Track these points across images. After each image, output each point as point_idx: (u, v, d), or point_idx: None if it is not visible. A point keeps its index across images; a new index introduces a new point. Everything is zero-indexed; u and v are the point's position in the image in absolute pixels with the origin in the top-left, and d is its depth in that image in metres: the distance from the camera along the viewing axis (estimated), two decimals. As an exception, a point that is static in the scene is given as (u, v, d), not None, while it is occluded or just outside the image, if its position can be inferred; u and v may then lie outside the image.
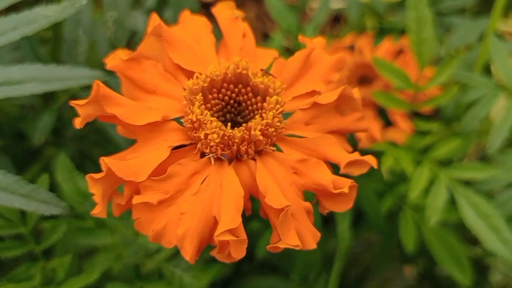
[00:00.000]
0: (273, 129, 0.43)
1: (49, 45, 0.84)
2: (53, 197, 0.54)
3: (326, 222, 0.92)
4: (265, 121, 0.43)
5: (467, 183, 0.80)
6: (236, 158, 0.44)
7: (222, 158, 0.43)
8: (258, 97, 0.46)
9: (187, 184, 0.42)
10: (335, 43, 0.81)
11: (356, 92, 0.46)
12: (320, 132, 0.45)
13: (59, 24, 0.80)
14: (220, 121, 0.45)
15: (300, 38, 0.48)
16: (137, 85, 0.45)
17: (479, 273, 1.08)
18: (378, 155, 0.78)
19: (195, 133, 0.43)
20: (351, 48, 0.85)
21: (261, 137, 0.42)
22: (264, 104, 0.44)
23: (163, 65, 0.45)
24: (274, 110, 0.43)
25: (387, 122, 0.80)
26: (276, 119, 0.43)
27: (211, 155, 0.43)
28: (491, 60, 0.84)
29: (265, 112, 0.43)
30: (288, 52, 1.71)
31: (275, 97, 0.44)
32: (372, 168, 0.78)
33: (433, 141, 0.81)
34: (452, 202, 0.77)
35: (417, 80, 0.77)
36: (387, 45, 0.80)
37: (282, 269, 0.93)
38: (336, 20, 1.58)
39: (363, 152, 0.84)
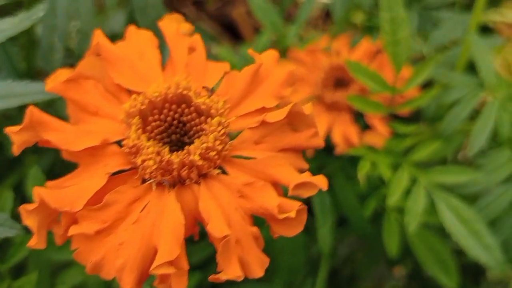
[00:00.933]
0: (214, 153, 0.40)
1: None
2: (7, 219, 0.52)
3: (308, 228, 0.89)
4: (205, 144, 0.40)
5: (449, 187, 0.76)
6: (179, 183, 0.41)
7: (164, 183, 0.41)
8: (202, 117, 0.43)
9: (127, 212, 0.39)
10: (311, 46, 0.77)
11: (308, 108, 0.43)
12: (272, 150, 0.42)
13: (31, 29, 0.78)
14: (165, 142, 0.43)
15: (250, 52, 0.45)
16: (79, 106, 0.42)
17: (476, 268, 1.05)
18: (357, 160, 0.75)
19: (134, 158, 0.40)
20: (328, 49, 0.81)
21: (200, 162, 0.40)
22: (206, 126, 0.41)
23: (104, 85, 0.43)
24: (216, 133, 0.40)
25: (365, 126, 0.77)
26: (218, 142, 0.40)
27: (152, 180, 0.40)
28: (473, 58, 0.80)
29: (206, 135, 0.40)
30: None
31: (217, 118, 0.41)
32: (354, 170, 0.75)
33: (413, 144, 0.78)
34: (433, 206, 0.74)
35: (394, 82, 0.74)
36: (365, 46, 0.77)
37: (266, 274, 0.90)
38: (329, 15, 1.54)
39: (339, 159, 0.82)
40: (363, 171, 0.72)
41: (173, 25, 0.46)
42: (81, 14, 0.64)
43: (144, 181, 0.41)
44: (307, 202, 0.55)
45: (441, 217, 0.71)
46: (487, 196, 0.77)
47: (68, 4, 0.67)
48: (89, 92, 0.42)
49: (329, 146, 0.78)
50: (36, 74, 0.82)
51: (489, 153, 0.78)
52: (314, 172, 0.40)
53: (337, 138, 0.73)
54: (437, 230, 0.83)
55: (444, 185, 0.75)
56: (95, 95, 0.42)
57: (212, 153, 0.40)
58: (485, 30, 1.36)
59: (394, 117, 0.78)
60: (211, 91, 0.43)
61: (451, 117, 0.77)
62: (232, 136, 0.43)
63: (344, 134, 0.75)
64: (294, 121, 0.43)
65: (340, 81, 0.73)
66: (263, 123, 0.41)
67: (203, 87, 0.43)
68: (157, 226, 0.38)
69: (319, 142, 0.44)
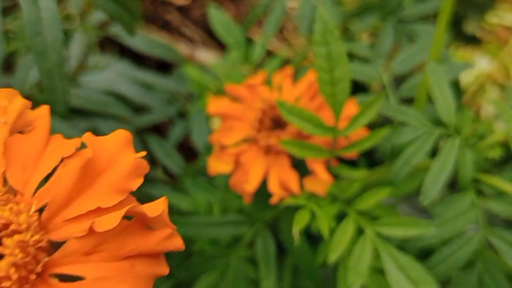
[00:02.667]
0: (9, 283, 0.30)
1: None
2: None
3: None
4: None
5: (401, 240, 0.66)
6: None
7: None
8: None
9: None
10: (250, 79, 0.67)
11: (158, 206, 0.33)
12: (112, 260, 0.32)
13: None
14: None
15: (85, 138, 0.35)
16: None
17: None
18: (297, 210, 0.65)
19: None
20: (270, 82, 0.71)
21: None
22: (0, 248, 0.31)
23: None
24: (12, 257, 0.31)
25: (306, 170, 0.66)
26: (13, 270, 0.30)
27: None
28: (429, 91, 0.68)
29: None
30: (270, 55, 1.56)
31: (17, 236, 0.31)
32: (309, 216, 0.65)
33: (361, 189, 0.67)
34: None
35: (338, 123, 0.63)
36: (310, 78, 0.66)
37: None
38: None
39: (275, 210, 0.71)
40: (300, 225, 0.62)
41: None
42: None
43: None
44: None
45: (388, 277, 0.61)
46: (444, 249, 0.66)
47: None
48: None
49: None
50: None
51: (447, 200, 0.67)
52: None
53: (273, 186, 0.63)
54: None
55: (394, 238, 0.64)
56: None
57: (7, 284, 0.30)
58: (472, 40, 1.24)
59: (340, 160, 0.68)
60: (14, 192, 0.33)
61: (402, 161, 0.66)
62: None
63: (282, 180, 0.64)
64: (143, 219, 0.34)
65: (277, 121, 0.63)
66: (91, 231, 0.31)
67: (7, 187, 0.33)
68: None
69: (177, 245, 0.34)
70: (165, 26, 1.72)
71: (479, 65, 1.71)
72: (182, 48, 1.62)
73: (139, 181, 0.34)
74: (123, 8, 0.62)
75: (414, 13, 1.07)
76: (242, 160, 0.65)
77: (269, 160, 0.64)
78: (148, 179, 0.97)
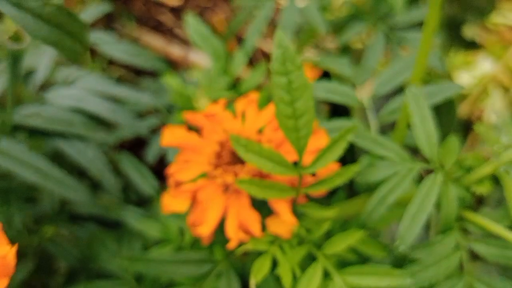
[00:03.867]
0: None
1: None
2: None
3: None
4: None
5: None
6: None
7: None
8: None
9: None
10: (212, 106, 0.59)
11: None
12: None
13: None
14: None
15: None
16: None
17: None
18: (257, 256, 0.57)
19: None
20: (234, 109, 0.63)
21: None
22: None
23: None
24: None
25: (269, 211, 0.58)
26: None
27: None
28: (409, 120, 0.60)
29: None
30: (265, 57, 1.48)
31: None
32: (270, 263, 0.57)
33: (330, 231, 0.59)
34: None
35: (301, 161, 0.55)
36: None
37: None
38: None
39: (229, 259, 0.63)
40: (259, 275, 0.54)
41: None
42: None
43: None
44: None
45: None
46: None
47: None
48: None
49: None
50: None
51: (428, 243, 0.59)
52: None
53: (230, 230, 0.55)
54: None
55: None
56: None
57: None
58: (471, 45, 1.14)
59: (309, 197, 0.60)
60: None
61: (377, 200, 0.58)
62: None
63: (241, 222, 0.56)
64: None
65: (238, 155, 0.55)
66: None
67: None
68: None
69: None
70: (158, 27, 1.64)
71: (482, 67, 1.61)
72: (176, 49, 1.54)
73: (5, 281, 0.26)
74: (64, 33, 0.54)
75: (406, 20, 0.98)
76: (199, 198, 0.58)
77: (228, 198, 0.56)
78: (120, 202, 0.89)
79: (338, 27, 1.06)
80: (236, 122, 0.60)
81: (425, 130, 0.58)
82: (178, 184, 0.59)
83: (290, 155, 0.56)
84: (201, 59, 1.49)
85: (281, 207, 0.56)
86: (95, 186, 0.92)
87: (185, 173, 0.58)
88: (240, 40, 1.58)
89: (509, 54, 1.68)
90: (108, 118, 0.86)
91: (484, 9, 1.06)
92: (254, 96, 0.60)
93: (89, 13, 1.04)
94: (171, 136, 0.58)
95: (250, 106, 0.60)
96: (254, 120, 0.59)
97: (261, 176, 0.56)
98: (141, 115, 1.00)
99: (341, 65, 0.73)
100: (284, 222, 0.56)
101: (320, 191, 0.57)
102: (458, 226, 0.61)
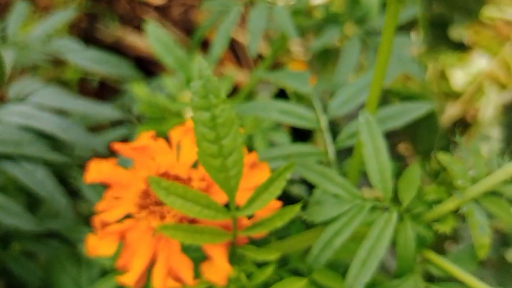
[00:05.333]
0: None
1: None
2: None
3: None
4: None
5: None
6: None
7: None
8: None
9: None
10: (143, 137, 0.52)
11: None
12: None
13: None
14: None
15: None
16: None
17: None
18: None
19: None
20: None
21: None
22: None
23: None
24: None
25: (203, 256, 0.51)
26: None
27: None
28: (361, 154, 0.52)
29: None
30: (260, 58, 1.39)
31: None
32: None
33: (272, 279, 0.52)
34: None
35: (233, 204, 0.48)
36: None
37: None
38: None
39: None
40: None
41: None
42: None
43: None
44: None
45: None
46: None
47: None
48: None
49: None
50: None
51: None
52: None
53: (157, 277, 0.48)
54: None
55: None
56: None
57: None
58: (459, 46, 1.05)
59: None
60: None
61: (322, 243, 0.50)
62: None
63: (171, 269, 0.49)
64: None
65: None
66: None
67: None
68: None
69: None
70: (142, 27, 1.57)
71: (478, 64, 1.52)
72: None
73: None
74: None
75: (378, 25, 0.90)
76: (128, 240, 0.51)
77: (157, 242, 0.49)
78: (76, 223, 0.83)
79: (316, 30, 0.98)
80: (170, 155, 0.52)
81: (378, 162, 0.50)
82: (105, 224, 0.51)
83: (225, 195, 0.48)
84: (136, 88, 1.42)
85: (215, 252, 0.49)
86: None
87: (111, 213, 0.51)
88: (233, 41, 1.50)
89: (506, 49, 1.58)
90: (59, 136, 0.79)
91: (472, 9, 0.97)
92: (192, 124, 0.53)
93: (53, 20, 0.97)
94: (97, 172, 0.51)
95: (186, 136, 0.52)
96: (189, 152, 0.52)
97: (192, 219, 0.49)
98: (113, 124, 0.93)
99: (298, 82, 0.64)
100: (218, 269, 0.49)
101: (258, 233, 0.49)
102: (420, 268, 0.53)
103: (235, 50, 1.53)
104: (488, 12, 1.56)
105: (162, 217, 0.49)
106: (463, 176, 0.51)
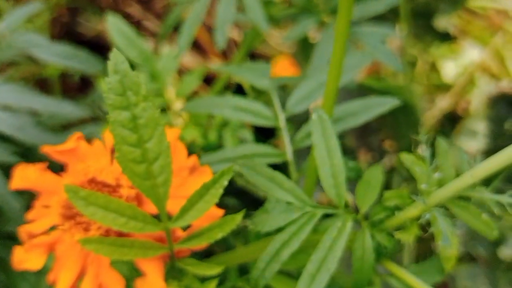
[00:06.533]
0: None
1: None
2: None
3: None
4: None
5: None
6: None
7: None
8: None
9: None
10: (60, 146, 0.46)
11: None
12: None
13: None
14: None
15: None
16: None
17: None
18: None
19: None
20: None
21: None
22: None
23: None
24: None
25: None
26: None
27: None
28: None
29: None
30: (253, 58, 1.32)
31: None
32: None
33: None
34: None
35: (163, 214, 0.42)
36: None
37: None
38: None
39: None
40: None
41: None
42: None
43: None
44: None
45: None
46: None
47: None
48: None
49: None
50: None
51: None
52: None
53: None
54: None
55: None
56: None
57: None
58: (444, 37, 0.98)
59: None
60: None
61: (268, 256, 0.44)
62: None
63: (101, 285, 0.43)
64: None
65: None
66: None
67: None
68: None
69: None
70: (126, 20, 1.51)
71: (469, 55, 1.44)
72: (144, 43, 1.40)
73: None
74: None
75: (361, 13, 0.83)
76: (57, 253, 0.45)
77: (86, 255, 0.43)
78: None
79: (292, 21, 0.91)
80: (103, 158, 0.46)
81: (331, 165, 0.44)
82: (31, 236, 0.46)
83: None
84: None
85: (148, 267, 0.43)
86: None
87: (38, 223, 0.45)
88: (210, 30, 1.44)
89: (498, 39, 1.50)
90: (14, 135, 0.73)
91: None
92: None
93: (18, 14, 0.91)
94: (21, 179, 0.45)
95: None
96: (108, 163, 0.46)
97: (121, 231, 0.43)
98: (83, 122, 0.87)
99: (256, 76, 0.58)
100: (152, 285, 0.43)
101: (197, 245, 0.43)
102: (380, 280, 0.47)
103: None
104: (480, 1, 1.49)
105: (87, 229, 0.43)
106: (427, 179, 0.44)
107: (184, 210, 0.41)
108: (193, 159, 0.45)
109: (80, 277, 0.45)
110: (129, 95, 0.37)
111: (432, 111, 1.37)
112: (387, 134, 1.00)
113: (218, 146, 0.73)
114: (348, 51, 0.79)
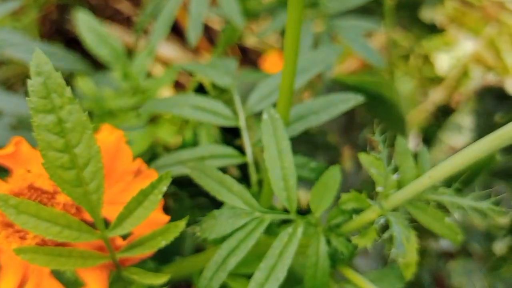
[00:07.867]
0: None
1: None
2: None
3: None
4: None
5: None
6: None
7: None
8: None
9: None
10: (10, 144, 0.43)
11: None
12: None
13: None
14: None
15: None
16: None
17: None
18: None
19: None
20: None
21: None
22: None
23: None
24: None
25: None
26: None
27: None
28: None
29: None
30: (244, 53, 1.29)
31: None
32: None
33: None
34: None
35: (99, 223, 0.39)
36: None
37: None
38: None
39: None
40: None
41: None
42: None
43: None
44: None
45: None
46: None
47: None
48: None
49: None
50: None
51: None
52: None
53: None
54: None
55: None
56: None
57: None
58: (432, 29, 0.94)
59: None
60: None
61: (215, 265, 0.41)
62: None
63: (42, 295, 0.41)
64: None
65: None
66: None
67: None
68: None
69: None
70: (115, 16, 1.48)
71: (464, 46, 1.40)
72: (134, 39, 1.38)
73: None
74: None
75: (339, 6, 0.79)
76: (0, 261, 0.43)
77: (27, 264, 0.41)
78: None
79: (270, 15, 0.88)
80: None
81: (282, 168, 0.41)
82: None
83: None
84: (166, 51, 1.33)
85: (89, 277, 0.40)
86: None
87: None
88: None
89: (493, 30, 1.45)
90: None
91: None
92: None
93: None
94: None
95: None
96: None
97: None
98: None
99: (218, 73, 0.55)
100: (95, 296, 0.41)
101: (140, 254, 0.41)
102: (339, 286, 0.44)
103: (211, 38, 1.43)
104: (472, -6, 1.44)
105: (23, 238, 0.40)
106: (385, 181, 0.41)
107: (122, 218, 0.38)
108: (138, 162, 0.43)
109: (22, 286, 0.43)
110: (53, 97, 0.34)
111: (425, 104, 1.33)
112: (372, 130, 0.96)
113: (194, 145, 0.70)
114: (323, 45, 0.76)
